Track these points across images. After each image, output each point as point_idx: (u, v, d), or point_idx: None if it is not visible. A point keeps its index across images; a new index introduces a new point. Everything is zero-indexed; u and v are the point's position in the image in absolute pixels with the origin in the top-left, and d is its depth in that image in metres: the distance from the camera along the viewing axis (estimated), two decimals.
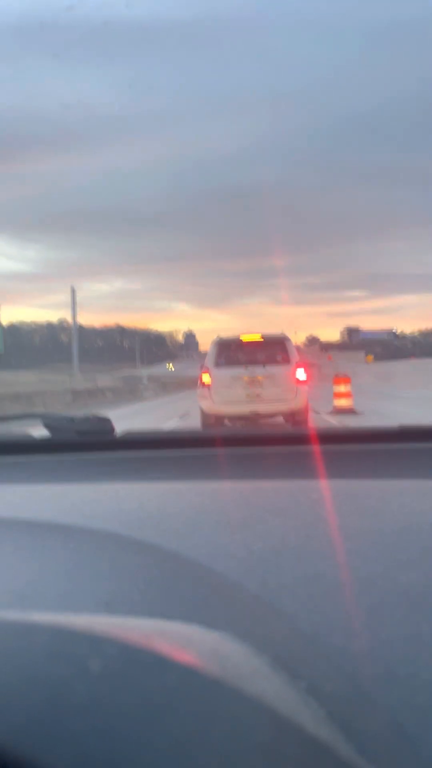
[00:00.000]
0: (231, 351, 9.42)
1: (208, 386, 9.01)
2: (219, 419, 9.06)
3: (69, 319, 44.93)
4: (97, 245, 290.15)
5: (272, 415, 9.18)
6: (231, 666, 0.32)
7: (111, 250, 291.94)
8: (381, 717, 0.35)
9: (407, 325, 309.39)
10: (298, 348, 10.12)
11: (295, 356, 9.33)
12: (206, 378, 9.09)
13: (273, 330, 9.91)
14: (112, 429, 1.26)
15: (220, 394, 8.95)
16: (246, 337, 9.63)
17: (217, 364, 9.21)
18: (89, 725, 0.24)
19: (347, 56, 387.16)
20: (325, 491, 0.81)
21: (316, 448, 1.13)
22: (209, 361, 9.30)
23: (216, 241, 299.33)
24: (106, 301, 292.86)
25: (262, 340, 9.57)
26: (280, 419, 9.39)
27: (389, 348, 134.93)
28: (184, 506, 0.77)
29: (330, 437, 1.22)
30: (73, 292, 45.26)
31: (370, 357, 53.55)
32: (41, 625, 0.31)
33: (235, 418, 9.17)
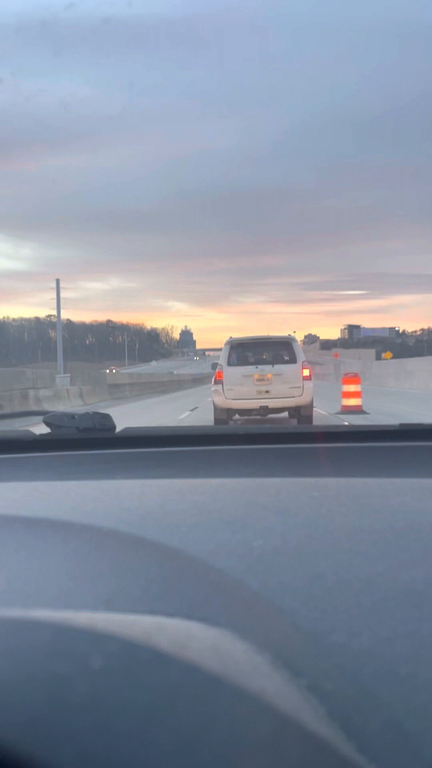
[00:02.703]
0: (242, 351, 10.37)
1: (221, 382, 9.91)
2: (230, 413, 10.00)
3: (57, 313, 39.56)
4: (94, 244, 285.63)
5: (280, 410, 10.03)
6: (232, 663, 0.32)
7: (108, 248, 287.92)
8: (382, 715, 0.35)
9: (405, 323, 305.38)
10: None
11: (301, 356, 10.18)
12: (219, 375, 10.00)
13: (275, 331, 11.05)
14: (113, 426, 1.27)
15: (232, 390, 9.86)
16: (256, 338, 10.69)
17: (230, 363, 10.12)
18: (90, 722, 0.24)
19: (347, 56, 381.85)
20: (326, 489, 0.81)
21: (317, 446, 1.14)
22: (222, 360, 10.19)
23: (214, 240, 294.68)
24: (103, 300, 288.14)
25: (270, 341, 10.58)
26: (285, 415, 10.35)
27: (392, 346, 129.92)
28: (185, 503, 0.76)
29: (331, 435, 1.23)
30: (57, 284, 40.26)
31: (389, 354, 46.81)
32: (42, 622, 0.30)
33: (245, 412, 10.07)
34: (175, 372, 69.84)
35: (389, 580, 0.50)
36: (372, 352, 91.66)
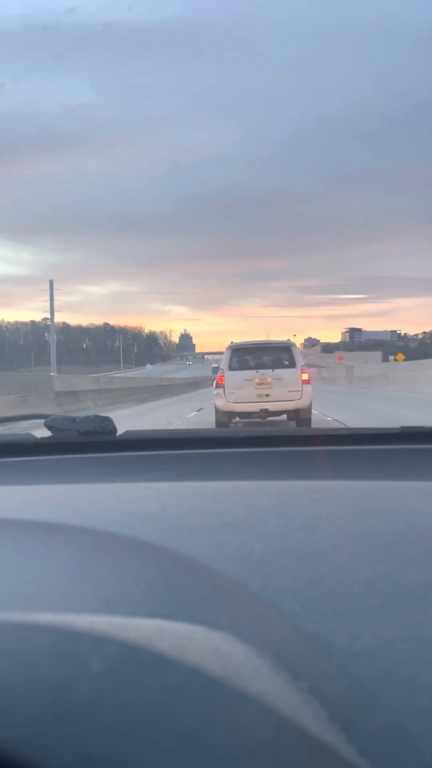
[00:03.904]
0: (243, 355, 10.71)
1: (223, 386, 10.25)
2: (231, 416, 10.40)
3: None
4: (93, 248, 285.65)
5: (279, 413, 10.37)
6: (232, 666, 0.32)
7: (108, 252, 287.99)
8: (382, 718, 0.34)
9: (406, 326, 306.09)
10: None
11: (300, 360, 10.55)
12: (221, 379, 10.36)
13: (275, 335, 11.27)
14: (113, 429, 1.27)
15: (233, 393, 10.20)
16: (256, 343, 11.09)
17: (231, 367, 10.46)
18: (91, 725, 0.24)
19: (344, 60, 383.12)
20: (326, 492, 0.81)
21: (317, 449, 1.14)
22: (224, 364, 10.53)
23: (213, 244, 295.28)
24: (102, 304, 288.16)
25: (270, 345, 11.01)
26: (284, 417, 10.69)
27: (393, 348, 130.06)
28: (185, 506, 0.76)
29: (331, 438, 1.22)
30: (51, 285, 40.28)
31: (401, 356, 45.53)
32: (43, 625, 0.30)
33: (245, 415, 10.42)
34: (134, 376, 62.93)
35: (390, 583, 0.50)
36: (379, 354, 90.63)
